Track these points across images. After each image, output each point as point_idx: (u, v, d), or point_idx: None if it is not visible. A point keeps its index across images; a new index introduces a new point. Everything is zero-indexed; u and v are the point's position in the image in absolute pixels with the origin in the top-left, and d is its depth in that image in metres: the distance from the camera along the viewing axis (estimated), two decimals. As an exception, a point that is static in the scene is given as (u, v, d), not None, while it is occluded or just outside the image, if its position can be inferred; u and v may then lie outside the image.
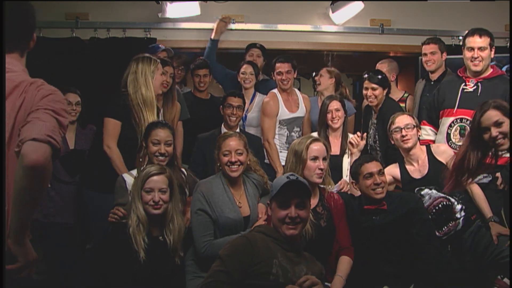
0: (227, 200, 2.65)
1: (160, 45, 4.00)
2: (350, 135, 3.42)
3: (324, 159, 2.67)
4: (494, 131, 2.35)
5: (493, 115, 2.36)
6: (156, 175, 2.43)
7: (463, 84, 3.15)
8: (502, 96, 3.01)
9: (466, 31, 3.20)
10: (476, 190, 2.87)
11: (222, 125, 3.47)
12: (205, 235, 2.55)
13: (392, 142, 3.07)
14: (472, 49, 3.08)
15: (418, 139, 3.05)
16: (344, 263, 2.58)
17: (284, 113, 3.71)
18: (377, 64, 4.17)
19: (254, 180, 2.82)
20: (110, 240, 2.42)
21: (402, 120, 3.00)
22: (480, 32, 3.09)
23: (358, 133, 3.33)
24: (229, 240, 2.20)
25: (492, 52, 3.10)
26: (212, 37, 4.17)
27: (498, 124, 2.34)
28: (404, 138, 2.96)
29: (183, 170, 2.94)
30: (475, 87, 3.10)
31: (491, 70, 3.14)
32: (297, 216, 2.15)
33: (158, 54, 3.79)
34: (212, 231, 2.58)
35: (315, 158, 2.63)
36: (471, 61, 3.09)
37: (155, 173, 2.44)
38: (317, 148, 2.66)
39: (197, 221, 2.58)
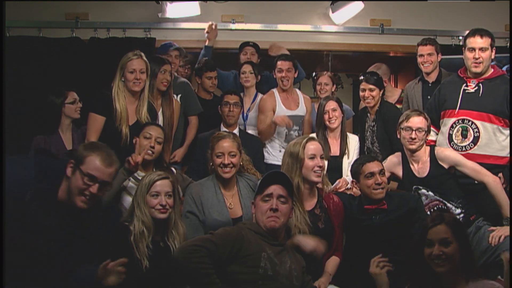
0: (217, 202, 2.64)
1: (172, 43, 3.92)
2: (350, 135, 3.42)
3: (321, 157, 2.67)
4: (437, 250, 2.04)
5: (442, 231, 2.06)
6: (161, 180, 2.44)
7: (464, 84, 3.12)
8: (504, 96, 3.01)
9: (466, 31, 3.18)
10: (496, 185, 2.81)
11: (222, 125, 3.47)
12: (194, 237, 2.52)
13: (398, 136, 3.04)
14: (473, 49, 3.05)
15: (425, 142, 3.01)
16: (334, 262, 2.65)
17: (282, 110, 3.68)
18: (369, 69, 4.06)
19: (249, 181, 2.79)
20: (112, 246, 2.38)
21: (416, 122, 2.93)
22: (481, 32, 3.06)
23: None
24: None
25: (493, 53, 3.08)
26: (207, 44, 4.13)
27: (445, 243, 2.04)
28: (412, 141, 2.93)
29: (172, 169, 2.96)
30: (476, 87, 3.08)
31: (492, 70, 3.11)
32: (278, 209, 2.22)
33: (170, 53, 3.76)
34: (203, 233, 2.54)
35: (313, 157, 2.64)
36: (472, 62, 3.06)
37: (160, 178, 2.45)
38: (314, 147, 2.67)
39: (186, 223, 2.57)
